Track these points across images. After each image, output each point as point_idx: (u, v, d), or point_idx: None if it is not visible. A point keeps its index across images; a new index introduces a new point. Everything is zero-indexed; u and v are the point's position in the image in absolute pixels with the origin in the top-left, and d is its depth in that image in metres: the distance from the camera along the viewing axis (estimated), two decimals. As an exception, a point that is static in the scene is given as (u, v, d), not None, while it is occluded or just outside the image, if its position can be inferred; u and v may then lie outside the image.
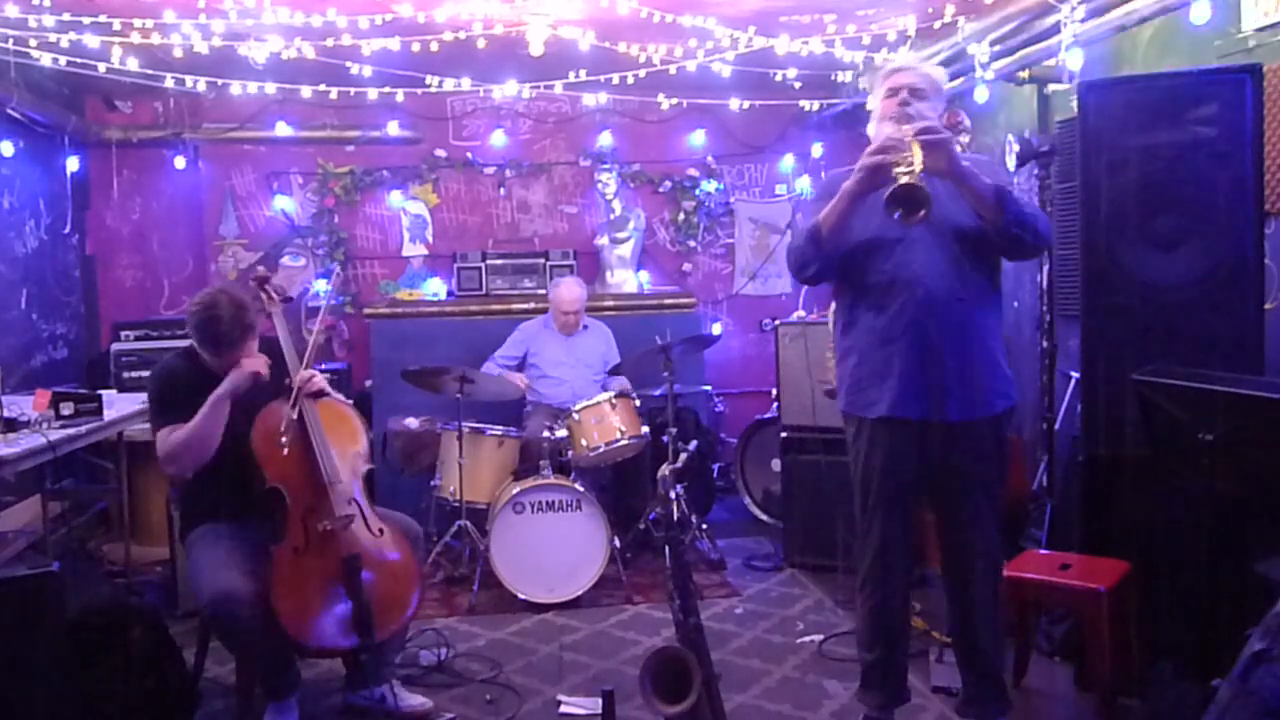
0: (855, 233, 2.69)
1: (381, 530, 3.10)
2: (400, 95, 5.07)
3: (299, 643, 2.89)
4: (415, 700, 3.23)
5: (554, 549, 4.18)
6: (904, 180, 2.43)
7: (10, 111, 4.63)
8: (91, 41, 4.12)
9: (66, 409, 3.52)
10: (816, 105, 5.72)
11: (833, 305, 3.93)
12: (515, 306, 5.62)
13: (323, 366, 3.26)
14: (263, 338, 3.25)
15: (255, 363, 3.07)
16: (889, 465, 2.74)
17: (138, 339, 5.00)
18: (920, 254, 2.65)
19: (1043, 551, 3.52)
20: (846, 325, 2.82)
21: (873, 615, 2.84)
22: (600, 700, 2.82)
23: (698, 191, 6.39)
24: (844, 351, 2.84)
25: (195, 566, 3.00)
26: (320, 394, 3.13)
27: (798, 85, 5.25)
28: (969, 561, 2.77)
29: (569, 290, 5.12)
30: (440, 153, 6.16)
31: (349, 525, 3.01)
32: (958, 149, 2.59)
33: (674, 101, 5.59)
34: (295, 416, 3.01)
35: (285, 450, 2.97)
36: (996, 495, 2.80)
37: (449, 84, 4.98)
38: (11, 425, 3.36)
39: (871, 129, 2.84)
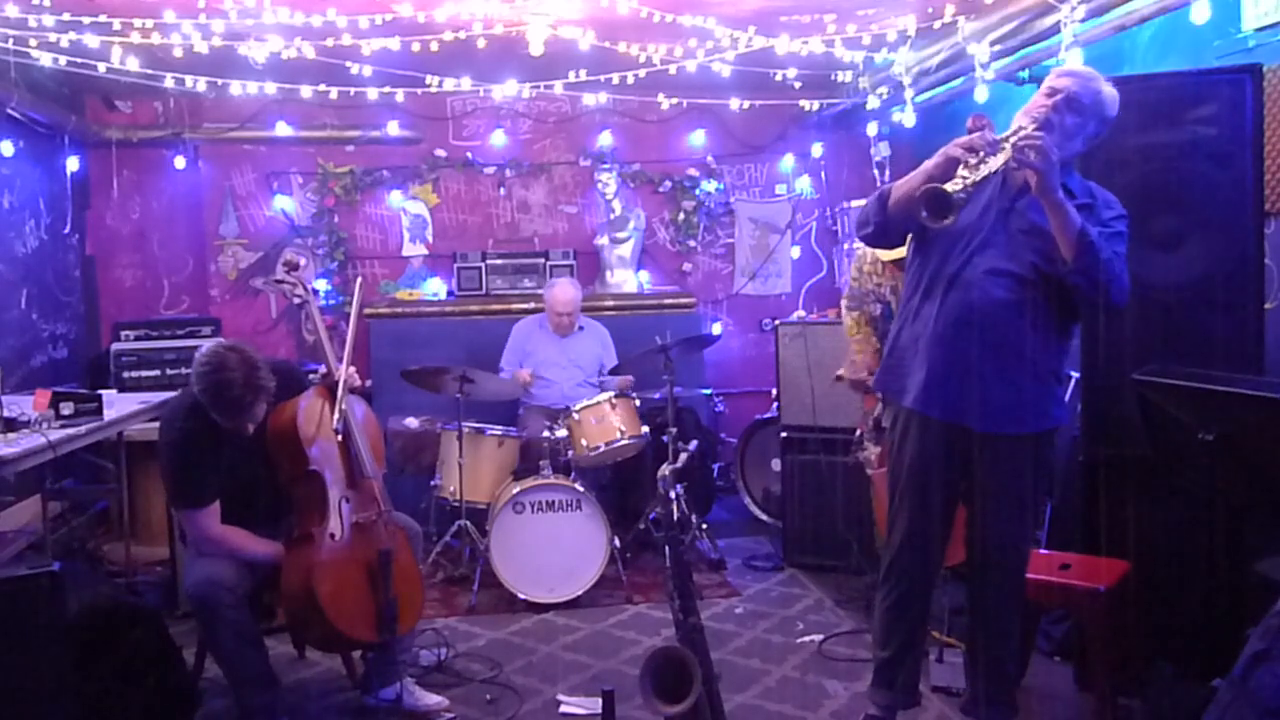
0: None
1: (394, 532, 3.14)
2: (400, 95, 5.07)
3: (335, 625, 2.90)
4: (432, 699, 3.26)
5: (554, 549, 4.18)
6: (946, 186, 2.39)
7: (10, 111, 4.63)
8: (91, 41, 4.12)
9: (66, 409, 3.51)
10: (816, 105, 5.72)
11: (842, 304, 3.96)
12: (515, 306, 5.62)
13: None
14: (276, 361, 3.28)
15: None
16: (918, 462, 2.71)
17: (138, 339, 5.00)
18: (990, 257, 2.58)
19: (1043, 551, 3.52)
20: (904, 306, 2.79)
21: (893, 612, 2.81)
22: (600, 700, 2.83)
23: (698, 191, 6.39)
24: (895, 331, 2.81)
25: (188, 558, 3.07)
26: (352, 390, 3.19)
27: (798, 85, 5.25)
28: (994, 567, 2.74)
29: (563, 291, 5.12)
30: (440, 153, 6.16)
31: (382, 520, 3.08)
32: (1056, 162, 2.45)
33: (674, 101, 5.58)
34: (345, 407, 3.04)
35: (338, 437, 3.03)
36: (1032, 509, 2.77)
37: (449, 84, 4.98)
38: (11, 425, 3.35)
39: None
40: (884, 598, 2.83)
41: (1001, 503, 2.69)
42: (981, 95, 4.46)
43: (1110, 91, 2.66)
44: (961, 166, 2.45)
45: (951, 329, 2.61)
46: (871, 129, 5.70)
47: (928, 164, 2.59)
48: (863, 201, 2.84)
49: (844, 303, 3.95)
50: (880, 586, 2.85)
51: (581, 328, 5.24)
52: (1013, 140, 2.45)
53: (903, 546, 2.76)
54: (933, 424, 2.66)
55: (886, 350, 2.85)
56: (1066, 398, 4.08)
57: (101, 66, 4.39)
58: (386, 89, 4.94)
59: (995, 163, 2.43)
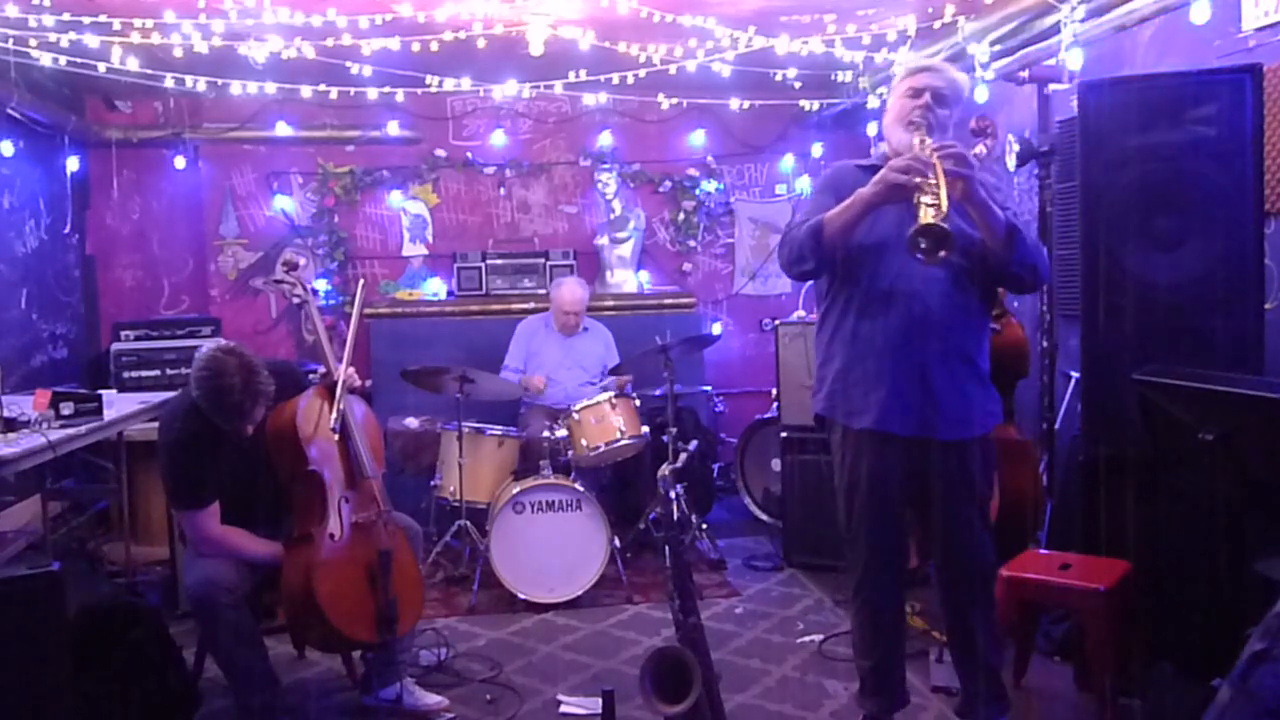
0: (859, 235, 2.62)
1: (394, 532, 3.14)
2: (400, 95, 5.07)
3: (334, 626, 2.90)
4: (432, 699, 3.26)
5: (554, 549, 4.18)
6: (929, 219, 2.33)
7: (10, 111, 4.63)
8: (91, 41, 4.12)
9: (66, 409, 3.51)
10: (816, 105, 5.72)
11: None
12: (515, 306, 5.63)
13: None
14: (275, 361, 3.28)
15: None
16: (875, 477, 2.70)
17: (138, 339, 5.00)
18: (923, 267, 2.54)
19: (1043, 551, 3.52)
20: (836, 328, 2.75)
21: (867, 623, 2.83)
22: (600, 700, 2.83)
23: (698, 191, 6.39)
24: (829, 354, 2.78)
25: (188, 558, 3.07)
26: (352, 391, 3.18)
27: (798, 85, 5.25)
28: (961, 565, 2.77)
29: (571, 291, 5.12)
30: (440, 153, 6.16)
31: (382, 520, 3.08)
32: (976, 164, 2.50)
33: (674, 101, 5.59)
34: (343, 407, 3.03)
35: (335, 436, 3.01)
36: (985, 502, 2.79)
37: (449, 84, 4.98)
38: (11, 425, 3.35)
39: (882, 125, 2.78)
40: (858, 611, 2.85)
41: (968, 505, 2.71)
42: (981, 95, 4.46)
43: (963, 76, 2.73)
44: (920, 194, 2.38)
45: (902, 343, 2.60)
46: (871, 129, 5.70)
47: (864, 192, 2.51)
48: (791, 232, 2.72)
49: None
50: (852, 601, 2.87)
51: (586, 328, 5.24)
52: (931, 155, 2.43)
53: (870, 563, 2.78)
54: (893, 441, 2.66)
55: (829, 377, 2.76)
56: (1066, 398, 4.12)
57: (101, 66, 4.39)
58: (386, 89, 4.95)
59: (943, 187, 2.38)
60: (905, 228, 2.48)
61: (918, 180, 2.40)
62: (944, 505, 2.72)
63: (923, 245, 2.33)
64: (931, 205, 2.35)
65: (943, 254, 2.33)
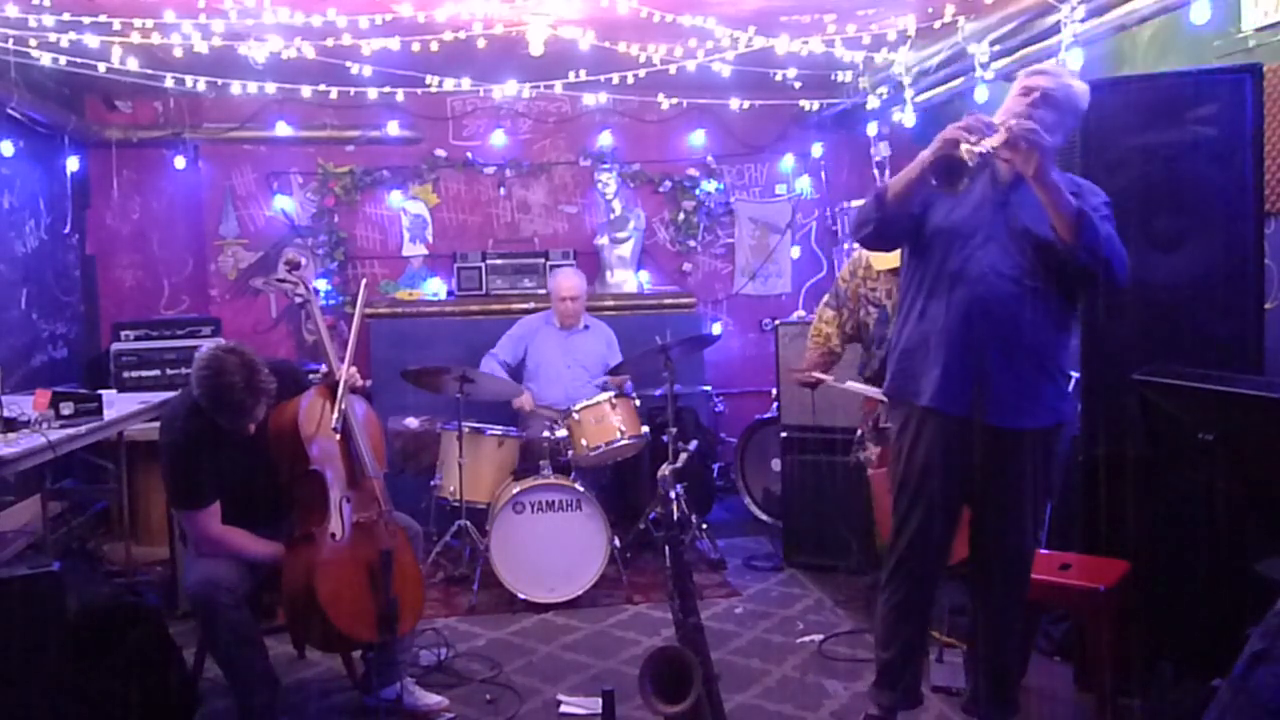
0: (938, 219, 2.67)
1: (395, 532, 3.14)
2: (400, 95, 5.07)
3: (335, 626, 2.90)
4: (432, 699, 3.26)
5: (554, 549, 4.19)
6: (958, 152, 2.41)
7: (10, 111, 4.63)
8: (91, 41, 4.12)
9: (66, 409, 3.51)
10: (816, 105, 5.72)
11: (824, 299, 3.97)
12: (515, 306, 5.63)
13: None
14: (276, 361, 3.28)
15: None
16: (930, 460, 2.70)
17: (138, 339, 5.00)
18: (993, 252, 2.60)
19: (1043, 551, 3.52)
20: (908, 310, 2.77)
21: (896, 612, 2.81)
22: (600, 700, 2.83)
23: (698, 191, 6.39)
24: (899, 336, 2.80)
25: (188, 558, 3.08)
26: (354, 390, 3.18)
27: (798, 85, 5.25)
28: (999, 565, 2.75)
29: (567, 278, 5.14)
30: (440, 153, 6.16)
31: (383, 520, 3.07)
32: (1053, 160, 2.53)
33: (674, 101, 5.59)
34: (345, 407, 3.03)
35: (337, 436, 3.01)
36: (1038, 506, 2.77)
37: (449, 84, 4.98)
38: (11, 425, 3.35)
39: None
40: (888, 598, 2.82)
41: (1008, 498, 2.69)
42: (981, 95, 4.46)
43: (1081, 86, 2.71)
44: (963, 143, 2.45)
45: (963, 324, 2.61)
46: (871, 129, 5.70)
47: (923, 154, 2.58)
48: (862, 202, 2.85)
49: (826, 298, 3.96)
50: (884, 587, 2.84)
51: (587, 326, 5.24)
52: (1007, 124, 2.47)
53: (910, 547, 2.75)
54: (947, 420, 2.65)
55: (894, 356, 2.81)
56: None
57: (101, 66, 4.39)
58: (386, 89, 4.95)
59: (995, 140, 2.45)
60: (984, 213, 2.58)
61: (974, 138, 2.44)
62: (991, 498, 2.70)
63: (938, 175, 2.44)
64: (968, 147, 2.43)
65: (961, 186, 2.45)
